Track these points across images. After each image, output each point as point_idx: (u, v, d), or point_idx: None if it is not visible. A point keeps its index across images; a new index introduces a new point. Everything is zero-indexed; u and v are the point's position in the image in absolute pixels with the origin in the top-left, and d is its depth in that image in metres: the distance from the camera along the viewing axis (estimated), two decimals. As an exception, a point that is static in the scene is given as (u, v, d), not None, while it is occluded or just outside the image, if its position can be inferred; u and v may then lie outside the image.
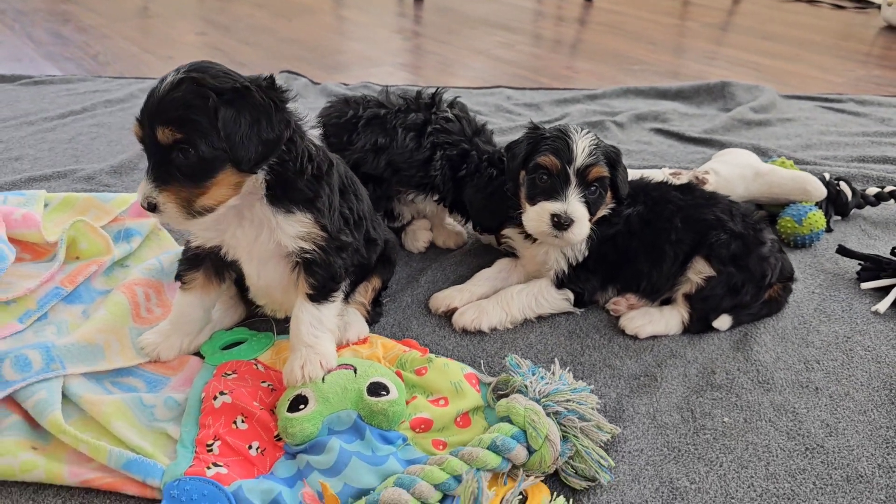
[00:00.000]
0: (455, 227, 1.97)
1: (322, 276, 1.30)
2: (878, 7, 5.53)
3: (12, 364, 1.23)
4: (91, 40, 3.87)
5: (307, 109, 1.31)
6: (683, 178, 1.92)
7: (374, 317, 1.56)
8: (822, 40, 4.75)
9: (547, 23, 5.21)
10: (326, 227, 1.27)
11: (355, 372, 1.27)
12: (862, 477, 1.22)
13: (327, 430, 1.19)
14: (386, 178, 1.76)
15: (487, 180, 1.71)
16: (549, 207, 1.49)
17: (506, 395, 1.29)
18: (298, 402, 1.22)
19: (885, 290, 1.75)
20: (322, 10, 5.03)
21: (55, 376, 1.24)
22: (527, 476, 1.15)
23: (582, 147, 1.50)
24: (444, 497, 1.10)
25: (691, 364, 1.49)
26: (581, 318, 1.64)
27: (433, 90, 1.82)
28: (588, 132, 1.53)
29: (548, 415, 1.20)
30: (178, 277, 1.39)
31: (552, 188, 1.50)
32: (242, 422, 1.22)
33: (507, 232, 1.71)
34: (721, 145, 2.61)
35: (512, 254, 1.73)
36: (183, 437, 1.19)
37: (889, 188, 2.16)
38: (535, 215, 1.51)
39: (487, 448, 1.14)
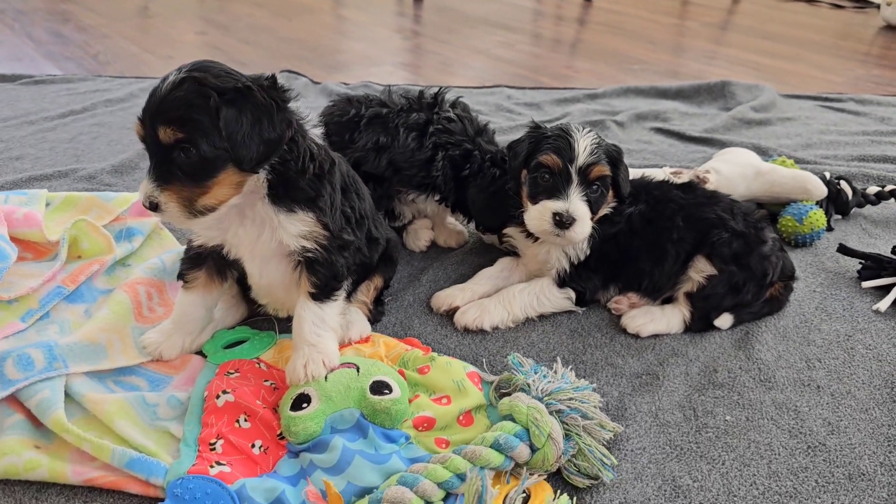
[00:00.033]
0: (456, 227, 1.97)
1: (324, 274, 1.30)
2: (877, 7, 5.53)
3: (15, 363, 1.23)
4: (91, 40, 3.87)
5: (308, 109, 1.31)
6: (684, 178, 1.92)
7: (376, 316, 1.56)
8: (821, 40, 4.75)
9: (546, 22, 5.21)
10: (328, 225, 1.27)
11: (358, 371, 1.27)
12: (864, 475, 1.22)
13: (330, 428, 1.19)
14: (387, 178, 1.76)
15: (490, 180, 1.71)
16: (550, 206, 1.49)
17: (508, 394, 1.29)
18: (301, 401, 1.22)
19: (885, 289, 1.75)
20: (321, 10, 5.03)
21: (58, 375, 1.24)
22: (530, 475, 1.15)
23: (584, 146, 1.50)
24: (448, 495, 1.10)
25: (693, 362, 1.50)
26: (583, 316, 1.64)
27: (436, 90, 1.82)
28: (590, 131, 1.54)
29: (550, 413, 1.20)
30: (181, 276, 1.39)
31: (554, 187, 1.50)
32: (245, 420, 1.22)
33: (508, 231, 1.71)
34: (721, 144, 2.61)
35: (513, 253, 1.74)
36: (186, 436, 1.19)
37: (889, 187, 2.17)
38: (537, 214, 1.51)
39: (490, 446, 1.14)
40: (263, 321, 1.52)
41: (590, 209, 1.51)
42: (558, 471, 1.19)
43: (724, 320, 1.60)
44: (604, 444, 1.22)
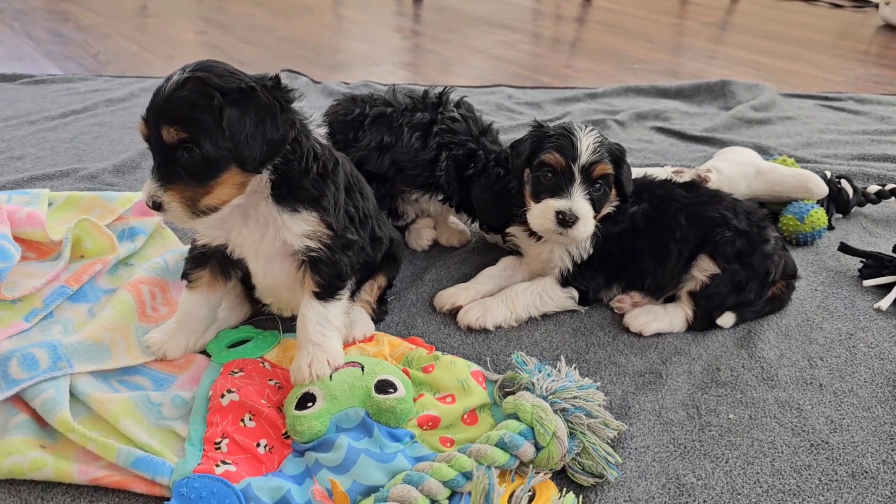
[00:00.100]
0: (459, 226, 1.97)
1: (328, 274, 1.30)
2: (876, 6, 5.54)
3: (19, 363, 1.23)
4: (91, 39, 3.87)
5: (310, 108, 1.31)
6: (686, 177, 1.92)
7: (379, 315, 1.56)
8: (820, 39, 4.76)
9: (546, 22, 5.21)
10: (332, 225, 1.27)
11: (363, 370, 1.28)
12: (867, 473, 1.23)
13: (335, 427, 1.20)
14: (390, 177, 1.76)
15: (494, 180, 1.71)
16: (553, 205, 1.49)
17: (512, 393, 1.29)
18: (306, 400, 1.22)
19: (886, 287, 1.76)
20: (321, 9, 5.03)
21: (62, 375, 1.24)
22: (535, 473, 1.15)
23: (586, 144, 1.50)
24: (453, 494, 1.11)
25: (696, 361, 1.50)
26: (586, 315, 1.65)
27: (440, 89, 1.82)
28: (592, 130, 1.54)
29: (555, 412, 1.21)
30: (185, 276, 1.39)
31: (557, 185, 1.51)
32: (250, 419, 1.22)
33: (511, 230, 1.71)
34: (722, 143, 2.61)
35: (516, 252, 1.74)
36: (191, 435, 1.19)
37: (890, 186, 2.17)
38: (540, 213, 1.51)
39: (495, 445, 1.14)
40: (267, 320, 1.52)
41: (593, 208, 1.51)
42: (562, 470, 1.19)
43: (727, 319, 1.60)
44: (608, 443, 1.23)
